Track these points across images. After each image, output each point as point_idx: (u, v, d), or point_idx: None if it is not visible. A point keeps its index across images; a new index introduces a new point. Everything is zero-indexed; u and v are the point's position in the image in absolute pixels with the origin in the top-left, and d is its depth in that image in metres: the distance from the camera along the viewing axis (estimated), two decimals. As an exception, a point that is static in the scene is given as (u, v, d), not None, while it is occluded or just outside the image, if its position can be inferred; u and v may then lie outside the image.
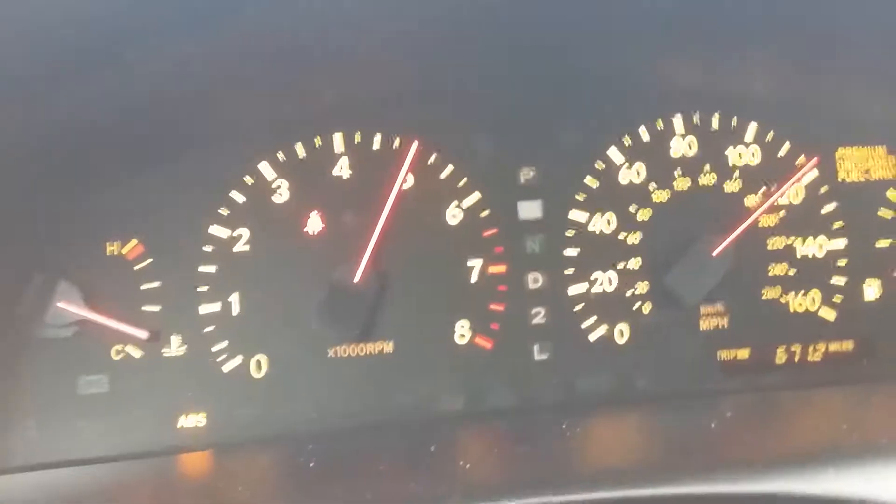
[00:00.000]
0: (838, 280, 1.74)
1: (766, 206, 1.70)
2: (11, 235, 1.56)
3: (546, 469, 1.22)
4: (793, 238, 1.74)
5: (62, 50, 1.22)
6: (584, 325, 1.68)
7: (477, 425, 1.55)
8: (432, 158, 1.68)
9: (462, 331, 1.65)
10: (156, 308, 1.58)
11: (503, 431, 1.52)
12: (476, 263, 1.67)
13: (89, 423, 1.54)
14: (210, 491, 1.29)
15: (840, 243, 1.75)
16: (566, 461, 1.29)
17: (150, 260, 1.60)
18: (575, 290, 1.69)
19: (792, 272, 1.73)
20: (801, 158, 1.76)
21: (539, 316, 1.67)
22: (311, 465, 1.29)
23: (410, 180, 1.67)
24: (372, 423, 1.59)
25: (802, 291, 1.73)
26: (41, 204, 1.57)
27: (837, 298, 1.74)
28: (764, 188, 1.74)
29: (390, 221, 1.62)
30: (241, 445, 1.53)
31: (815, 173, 1.75)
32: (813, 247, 1.75)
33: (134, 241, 1.60)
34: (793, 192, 1.75)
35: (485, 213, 1.68)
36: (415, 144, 1.65)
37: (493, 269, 1.67)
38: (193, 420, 1.57)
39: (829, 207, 1.76)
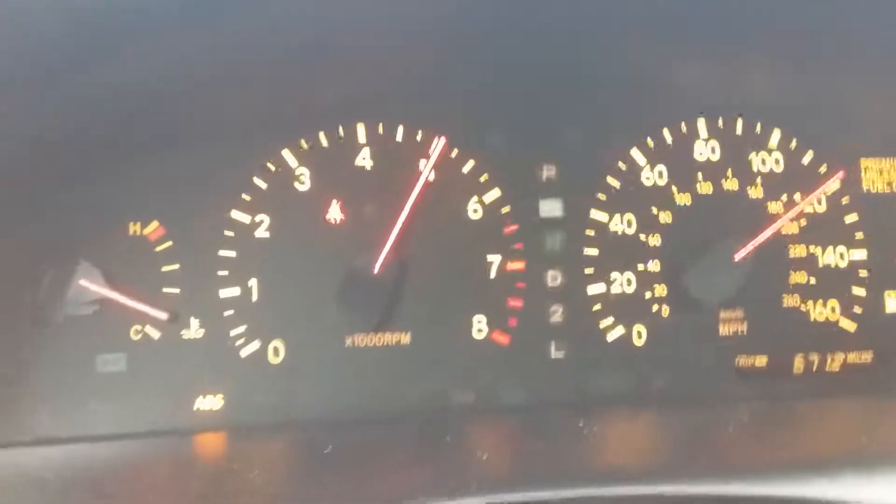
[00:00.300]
0: (859, 291, 1.73)
1: (791, 213, 1.69)
2: (36, 214, 1.57)
3: (559, 464, 1.22)
4: (814, 247, 1.73)
5: (94, 32, 1.22)
6: (602, 325, 1.68)
7: (491, 420, 1.55)
8: (454, 153, 1.69)
9: (479, 325, 1.65)
10: (175, 290, 1.59)
11: (517, 427, 1.52)
12: (495, 259, 1.67)
13: (106, 400, 1.55)
14: (224, 473, 1.29)
15: (861, 254, 1.74)
16: (580, 457, 1.29)
17: (170, 242, 1.60)
18: (593, 289, 1.68)
19: (812, 281, 1.72)
20: (824, 167, 1.75)
21: (557, 314, 1.67)
22: (325, 451, 1.30)
23: (433, 174, 1.67)
24: (386, 413, 1.59)
25: (822, 301, 1.72)
26: (65, 183, 1.58)
27: (858, 309, 1.72)
28: (786, 196, 1.73)
29: (412, 214, 1.63)
30: (256, 429, 1.54)
31: (837, 183, 1.74)
32: (834, 256, 1.74)
33: (155, 223, 1.61)
34: (815, 201, 1.74)
35: (506, 210, 1.68)
36: (442, 140, 1.65)
37: (512, 266, 1.67)
38: (210, 402, 1.58)
39: (851, 217, 1.75)
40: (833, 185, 1.73)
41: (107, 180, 1.61)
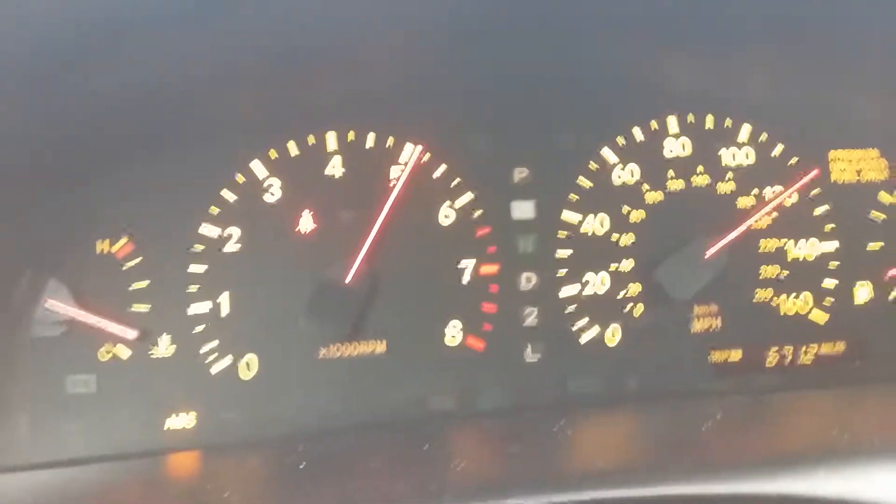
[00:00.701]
0: (830, 282, 1.74)
1: (763, 212, 1.70)
2: (2, 233, 1.54)
3: (537, 469, 1.22)
4: (785, 240, 1.74)
5: (52, 49, 1.21)
6: (577, 326, 1.68)
7: (469, 426, 1.54)
8: (426, 157, 1.68)
9: (454, 331, 1.64)
10: (145, 308, 1.57)
11: (495, 432, 1.51)
12: (469, 264, 1.66)
13: (77, 422, 1.53)
14: (197, 493, 1.28)
15: (832, 245, 1.75)
16: (558, 462, 1.29)
17: (139, 259, 1.58)
18: (567, 291, 1.68)
19: (784, 274, 1.73)
20: (794, 160, 1.76)
21: (531, 317, 1.67)
22: (301, 466, 1.28)
23: (403, 179, 1.66)
24: (363, 423, 1.58)
25: (794, 293, 1.73)
26: (31, 201, 1.56)
27: (829, 301, 1.74)
28: (757, 190, 1.74)
29: (384, 222, 1.62)
30: (230, 447, 1.52)
31: (808, 175, 1.75)
32: (805, 249, 1.75)
33: (124, 240, 1.59)
34: (786, 194, 1.75)
35: (478, 213, 1.68)
36: (418, 148, 1.64)
37: (485, 270, 1.67)
38: (182, 421, 1.56)
39: (821, 209, 1.76)
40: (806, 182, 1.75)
41: (72, 198, 1.58)
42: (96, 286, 1.56)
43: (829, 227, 1.76)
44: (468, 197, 1.68)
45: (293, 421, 1.58)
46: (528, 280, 1.68)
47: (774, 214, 1.74)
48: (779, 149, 1.76)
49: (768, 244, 1.73)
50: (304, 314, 1.56)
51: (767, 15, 1.49)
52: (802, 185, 1.74)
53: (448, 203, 1.67)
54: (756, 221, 1.72)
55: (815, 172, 1.74)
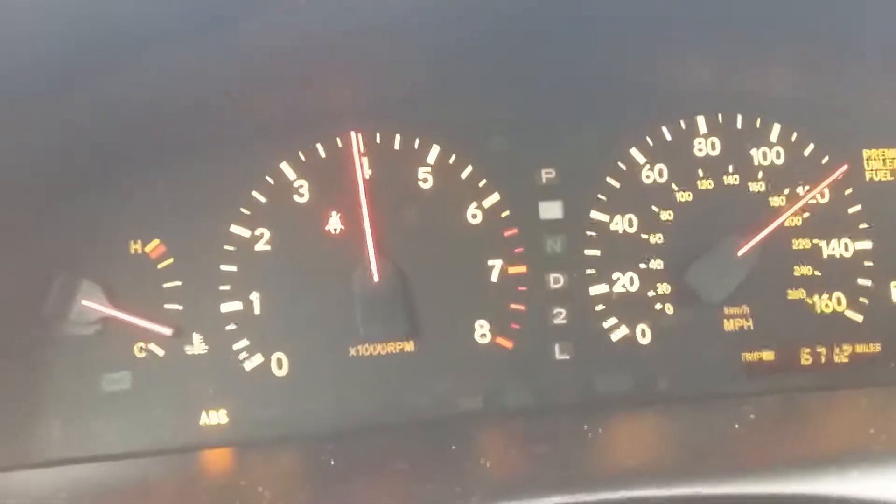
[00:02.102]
0: (864, 281, 1.72)
1: (794, 208, 1.68)
2: (37, 234, 1.58)
3: (567, 468, 1.21)
4: (818, 239, 1.72)
5: (87, 50, 1.23)
6: (606, 325, 1.67)
7: (497, 425, 1.54)
8: (452, 158, 1.68)
9: (482, 330, 1.65)
10: (178, 307, 1.60)
11: (523, 431, 1.51)
12: (496, 263, 1.66)
13: (112, 419, 1.55)
14: (231, 488, 1.29)
15: (866, 244, 1.73)
16: (588, 461, 1.28)
17: (172, 259, 1.61)
18: (596, 290, 1.68)
19: (817, 273, 1.71)
20: (826, 159, 1.74)
21: (560, 316, 1.67)
22: (331, 463, 1.29)
23: (430, 180, 1.67)
24: (392, 421, 1.59)
25: (828, 293, 1.71)
26: (66, 203, 1.59)
27: (864, 300, 1.71)
28: (788, 189, 1.72)
29: (410, 221, 1.63)
30: (262, 443, 1.53)
31: (840, 174, 1.73)
32: (838, 248, 1.72)
33: (156, 241, 1.61)
34: (818, 193, 1.73)
35: (505, 214, 1.68)
36: (357, 136, 1.64)
37: (513, 270, 1.67)
38: (215, 418, 1.58)
39: (855, 208, 1.74)
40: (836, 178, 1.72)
41: (106, 199, 1.61)
42: (130, 286, 1.59)
43: (862, 225, 1.73)
44: (495, 197, 1.68)
45: (324, 418, 1.59)
46: (555, 280, 1.68)
47: (807, 214, 1.72)
48: (810, 148, 1.74)
49: (801, 243, 1.71)
50: (361, 325, 1.58)
51: (797, 12, 1.47)
52: (832, 182, 1.72)
53: (475, 203, 1.68)
54: (789, 220, 1.70)
55: (843, 168, 1.72)
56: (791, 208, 1.68)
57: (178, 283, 1.60)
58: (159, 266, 1.61)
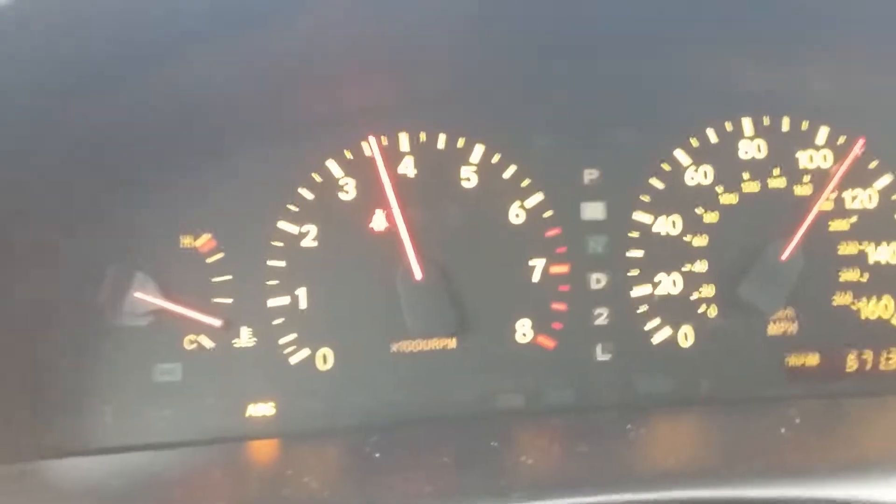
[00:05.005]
0: (913, 287, 1.69)
1: (821, 199, 1.66)
2: (92, 228, 1.62)
3: (607, 467, 1.22)
4: (865, 243, 1.70)
5: (141, 44, 1.26)
6: (648, 326, 1.67)
7: (537, 423, 1.55)
8: (496, 158, 1.69)
9: (524, 329, 1.66)
10: (227, 300, 1.63)
11: (564, 430, 1.52)
12: (539, 263, 1.67)
13: (163, 409, 1.59)
14: (278, 477, 1.32)
15: (915, 250, 1.70)
16: (629, 460, 1.29)
17: (221, 254, 1.64)
18: (638, 291, 1.68)
19: (864, 278, 1.69)
20: (875, 163, 1.72)
21: (602, 317, 1.67)
22: (375, 455, 1.32)
23: (474, 179, 1.68)
24: (433, 417, 1.61)
25: (875, 298, 1.69)
26: (120, 198, 1.63)
27: (912, 306, 1.69)
28: (836, 193, 1.70)
29: (456, 220, 1.65)
30: (308, 435, 1.57)
31: (889, 178, 1.71)
32: (886, 253, 1.70)
33: (207, 235, 1.65)
34: (866, 197, 1.71)
35: (548, 214, 1.69)
36: (373, 140, 1.66)
37: (555, 269, 1.68)
38: (262, 409, 1.61)
39: (903, 213, 1.71)
40: (885, 179, 1.71)
41: (159, 195, 1.65)
42: (181, 279, 1.63)
43: (911, 231, 1.71)
44: (538, 198, 1.69)
45: (367, 412, 1.62)
46: (597, 280, 1.68)
47: (854, 218, 1.70)
48: (857, 153, 1.72)
49: (847, 248, 1.69)
50: (410, 322, 1.61)
51: (845, 14, 1.46)
52: (880, 183, 1.70)
53: (519, 203, 1.69)
54: (835, 224, 1.68)
55: (861, 142, 1.70)
56: (819, 199, 1.67)
57: (228, 277, 1.64)
58: (209, 260, 1.64)
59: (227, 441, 1.54)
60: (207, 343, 1.62)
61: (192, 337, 1.62)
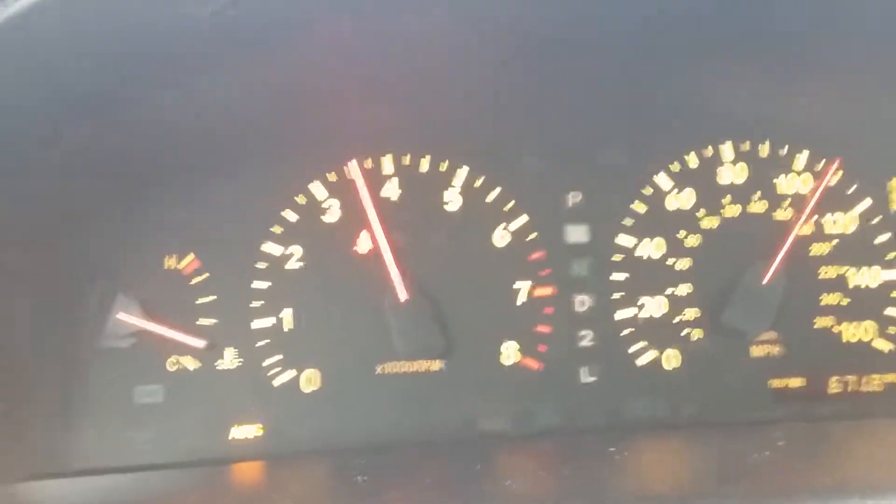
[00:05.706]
0: (893, 311, 1.71)
1: (800, 223, 1.68)
2: (74, 248, 1.61)
3: (592, 490, 1.21)
4: (846, 268, 1.72)
5: (125, 70, 1.27)
6: (632, 349, 1.68)
7: (522, 445, 1.55)
8: (480, 181, 1.71)
9: (509, 352, 1.66)
10: (211, 322, 1.62)
11: (549, 452, 1.51)
12: (523, 285, 1.68)
13: (144, 431, 1.57)
14: (260, 502, 1.31)
15: (894, 274, 1.72)
16: (613, 483, 1.28)
17: (205, 275, 1.64)
18: (622, 314, 1.69)
19: (845, 302, 1.70)
20: (854, 188, 1.74)
21: (587, 339, 1.68)
22: (360, 479, 1.31)
23: (458, 202, 1.69)
24: (418, 440, 1.60)
25: (856, 322, 1.70)
26: (102, 218, 1.63)
27: (892, 330, 1.70)
28: (816, 217, 1.72)
29: (440, 242, 1.66)
30: (291, 458, 1.55)
31: (868, 202, 1.74)
32: (867, 277, 1.72)
33: (191, 256, 1.64)
34: (846, 222, 1.74)
35: (532, 236, 1.70)
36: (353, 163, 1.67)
37: (539, 292, 1.68)
38: (245, 432, 1.60)
39: (882, 237, 1.74)
40: (864, 204, 1.73)
41: (142, 216, 1.65)
42: (164, 300, 1.62)
43: (891, 255, 1.73)
44: (523, 220, 1.70)
45: (352, 434, 1.60)
46: (582, 303, 1.69)
47: (835, 242, 1.72)
48: (837, 177, 1.75)
49: (828, 271, 1.71)
50: (399, 344, 1.61)
51: (826, 41, 1.49)
52: (860, 207, 1.73)
53: (503, 225, 1.70)
54: (816, 248, 1.71)
55: (836, 162, 1.73)
56: (798, 222, 1.69)
57: (211, 298, 1.63)
58: (193, 282, 1.64)
59: (210, 464, 1.52)
60: (191, 365, 1.61)
61: (174, 358, 1.61)
